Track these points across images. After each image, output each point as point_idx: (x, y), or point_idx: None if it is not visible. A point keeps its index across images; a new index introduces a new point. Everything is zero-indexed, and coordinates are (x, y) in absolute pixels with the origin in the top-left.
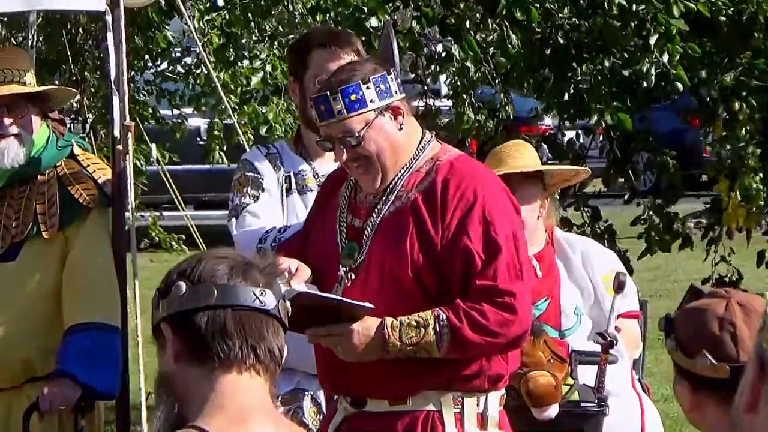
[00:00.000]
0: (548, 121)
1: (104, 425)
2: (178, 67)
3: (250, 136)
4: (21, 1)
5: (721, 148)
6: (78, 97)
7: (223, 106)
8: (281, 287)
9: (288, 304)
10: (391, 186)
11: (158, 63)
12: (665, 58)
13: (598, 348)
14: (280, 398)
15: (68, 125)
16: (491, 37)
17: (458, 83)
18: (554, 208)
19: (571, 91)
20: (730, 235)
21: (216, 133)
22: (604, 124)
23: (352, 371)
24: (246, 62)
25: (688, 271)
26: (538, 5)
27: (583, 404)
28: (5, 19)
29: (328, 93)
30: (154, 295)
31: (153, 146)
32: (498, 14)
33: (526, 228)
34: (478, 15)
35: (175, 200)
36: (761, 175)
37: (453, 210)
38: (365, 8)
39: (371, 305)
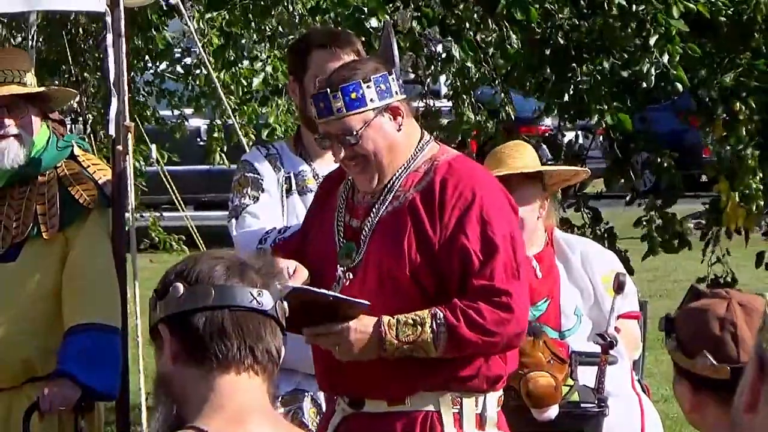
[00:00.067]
0: (548, 121)
1: (104, 426)
2: (178, 68)
3: (252, 136)
4: (21, 1)
5: (721, 148)
6: (78, 97)
7: (223, 107)
8: (277, 286)
9: (285, 304)
10: (389, 186)
11: (158, 63)
12: (665, 58)
13: (598, 349)
14: (280, 399)
15: (68, 126)
16: (491, 37)
17: (458, 84)
18: (554, 209)
19: (571, 91)
20: (729, 235)
21: (216, 134)
22: (604, 125)
23: (349, 371)
24: (246, 63)
25: (688, 272)
26: (537, 5)
27: (583, 405)
28: (5, 19)
29: (329, 90)
30: (151, 296)
31: (153, 147)
32: (498, 14)
33: (526, 228)
34: (477, 15)
35: (175, 201)
36: (761, 175)
37: (451, 210)
38: (365, 9)
39: (367, 302)
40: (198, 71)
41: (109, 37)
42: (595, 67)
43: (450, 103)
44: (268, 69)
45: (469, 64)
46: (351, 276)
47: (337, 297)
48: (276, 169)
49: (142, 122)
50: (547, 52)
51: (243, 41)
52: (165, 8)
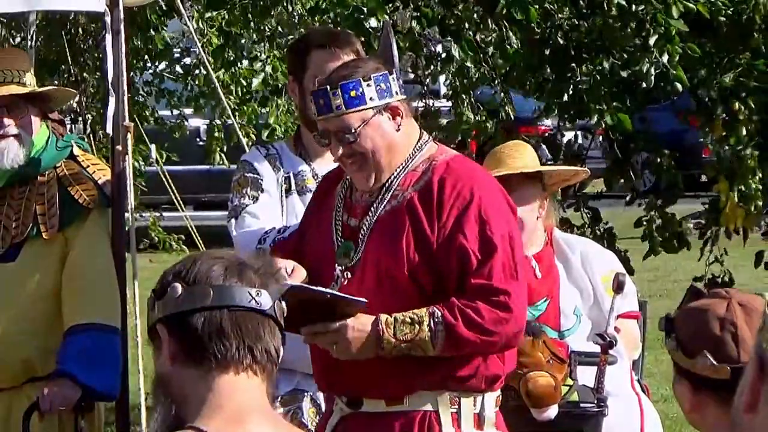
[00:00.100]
0: (548, 121)
1: (104, 426)
2: (177, 68)
3: (253, 136)
4: (21, 1)
5: (720, 148)
6: (77, 97)
7: (223, 107)
8: (275, 286)
9: (283, 304)
10: (387, 185)
11: (157, 63)
12: (665, 58)
13: (597, 349)
14: (279, 399)
15: (68, 126)
16: (490, 37)
17: (457, 84)
18: (553, 209)
19: (571, 91)
20: (729, 235)
21: (216, 134)
22: (603, 125)
23: (347, 370)
24: (245, 63)
25: (688, 272)
26: (537, 5)
27: (582, 405)
28: (5, 19)
29: (328, 88)
30: (149, 296)
31: (152, 147)
32: (497, 14)
33: (526, 228)
34: (477, 15)
35: (175, 201)
36: (760, 175)
37: (449, 209)
38: (365, 9)
39: (364, 300)
40: (197, 71)
41: (108, 37)
42: (595, 67)
43: (450, 103)
44: (268, 69)
45: (468, 64)
46: (349, 275)
47: (334, 294)
48: (275, 169)
49: (141, 122)
50: (547, 52)
51: (243, 41)
52: (164, 8)
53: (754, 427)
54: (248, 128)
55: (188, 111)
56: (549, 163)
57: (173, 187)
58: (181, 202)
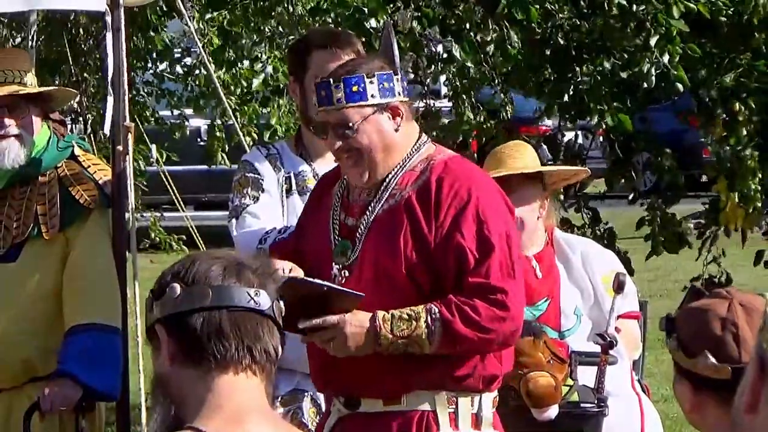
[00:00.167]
0: (548, 121)
1: (105, 426)
2: (177, 68)
3: (254, 135)
4: (21, 0)
5: (720, 148)
6: (78, 97)
7: (224, 107)
8: (273, 285)
9: (282, 303)
10: (385, 184)
11: (157, 64)
12: (665, 58)
13: (597, 349)
14: (279, 399)
15: (68, 126)
16: (490, 37)
17: (458, 84)
18: (554, 209)
19: (571, 91)
20: (728, 233)
21: (217, 134)
22: (604, 125)
23: (345, 369)
24: (246, 63)
25: (688, 272)
26: (537, 6)
27: (582, 405)
28: (5, 19)
29: (332, 80)
30: (147, 296)
31: (153, 147)
32: (498, 14)
33: (526, 228)
34: (478, 15)
35: (175, 201)
36: (760, 176)
37: (447, 208)
38: (365, 9)
39: (362, 293)
40: (198, 71)
41: (108, 37)
42: (596, 67)
43: (450, 103)
44: (269, 69)
45: (469, 64)
46: (347, 274)
47: (331, 287)
48: (276, 169)
49: (141, 122)
50: (548, 52)
51: (243, 41)
52: (164, 9)
53: (755, 428)
54: (250, 127)
55: (189, 111)
56: (549, 163)
57: (174, 187)
58: (181, 202)
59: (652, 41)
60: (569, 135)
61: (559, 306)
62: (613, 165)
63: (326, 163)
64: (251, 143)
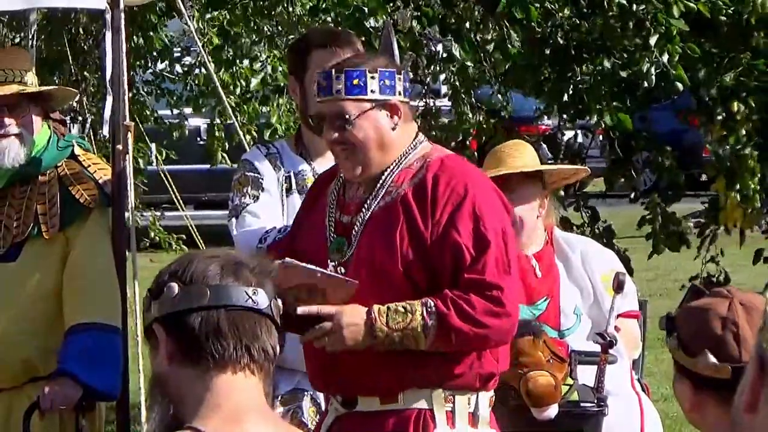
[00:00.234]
0: (548, 121)
1: (105, 425)
2: (177, 67)
3: (254, 134)
4: None
5: (720, 148)
6: (78, 97)
7: (223, 106)
8: (271, 284)
9: (280, 302)
10: (381, 182)
11: (157, 63)
12: (665, 58)
13: (597, 348)
14: (279, 398)
15: (68, 125)
16: (490, 36)
17: (457, 83)
18: (554, 208)
19: (571, 91)
20: (728, 230)
21: (217, 134)
22: (603, 125)
23: (342, 367)
24: (246, 62)
25: (688, 271)
26: (537, 5)
27: (582, 404)
28: (5, 18)
29: (333, 71)
30: (145, 296)
31: (153, 146)
32: (498, 14)
33: (526, 227)
34: (478, 15)
35: (175, 200)
36: (759, 176)
37: (443, 205)
38: (365, 8)
39: (356, 281)
40: (197, 71)
41: (108, 35)
42: (596, 66)
43: (450, 103)
44: (268, 69)
45: (468, 63)
46: (343, 270)
47: (324, 273)
48: (276, 169)
49: (141, 122)
50: (548, 51)
51: (243, 40)
52: (164, 9)
53: (755, 427)
54: (250, 126)
55: (188, 110)
56: (549, 162)
57: (173, 187)
58: (181, 202)
59: (652, 41)
60: (569, 134)
61: (559, 305)
62: (612, 164)
63: (326, 163)
64: (251, 142)
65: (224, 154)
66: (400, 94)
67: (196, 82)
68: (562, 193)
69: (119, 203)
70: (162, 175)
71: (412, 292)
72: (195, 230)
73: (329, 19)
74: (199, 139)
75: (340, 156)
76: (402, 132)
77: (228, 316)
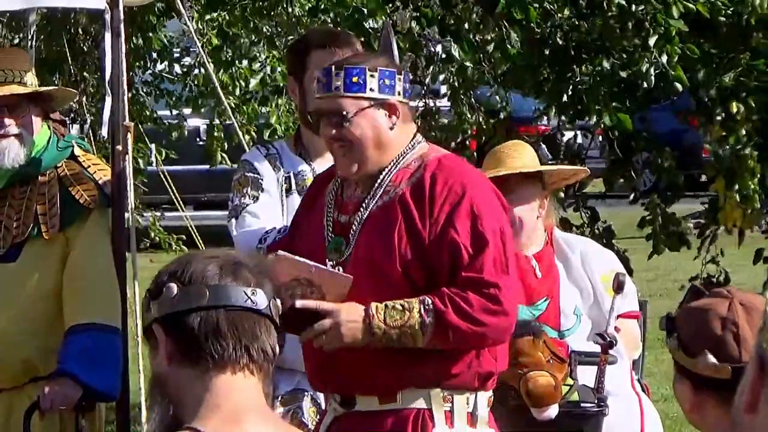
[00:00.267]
0: (547, 121)
1: (105, 425)
2: (176, 68)
3: (253, 134)
4: None
5: (719, 148)
6: (78, 97)
7: (223, 107)
8: (270, 284)
9: (279, 302)
10: (378, 181)
11: (157, 63)
12: (664, 58)
13: (597, 348)
14: (279, 398)
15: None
16: (489, 36)
17: (456, 83)
18: (553, 208)
19: (571, 91)
20: (729, 230)
21: (216, 134)
22: (603, 125)
23: (340, 366)
24: (245, 63)
25: (688, 271)
26: (537, 5)
27: (582, 405)
28: (5, 18)
29: (333, 68)
30: (144, 296)
31: (152, 147)
32: (497, 14)
33: (525, 228)
34: (477, 15)
35: (175, 201)
36: (759, 176)
37: (441, 204)
38: (364, 9)
39: (350, 276)
40: (197, 71)
41: (107, 36)
42: (595, 67)
43: (449, 103)
44: (267, 69)
45: (468, 64)
46: (341, 270)
47: (318, 267)
48: (276, 169)
49: (140, 122)
50: (547, 52)
51: (242, 40)
52: (163, 9)
53: (755, 427)
54: (249, 126)
55: (188, 111)
56: (549, 162)
57: (173, 187)
58: (181, 202)
59: (651, 41)
60: (568, 134)
61: (559, 306)
62: (612, 165)
63: (325, 163)
64: (250, 143)
65: (224, 155)
66: (399, 94)
67: (196, 82)
68: (561, 193)
69: (119, 204)
70: (162, 175)
71: (410, 291)
72: (195, 231)
73: (328, 19)
74: (198, 139)
75: (337, 153)
76: (400, 132)
77: (227, 316)
